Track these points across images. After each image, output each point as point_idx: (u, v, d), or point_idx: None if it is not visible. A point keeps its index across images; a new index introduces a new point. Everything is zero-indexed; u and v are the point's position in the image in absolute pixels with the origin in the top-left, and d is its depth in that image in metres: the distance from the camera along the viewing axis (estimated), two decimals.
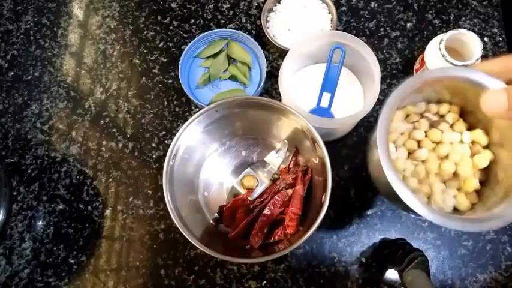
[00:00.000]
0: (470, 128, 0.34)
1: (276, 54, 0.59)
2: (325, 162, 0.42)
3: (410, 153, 0.34)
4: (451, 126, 0.34)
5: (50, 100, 0.59)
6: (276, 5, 0.59)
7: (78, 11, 0.64)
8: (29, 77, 0.60)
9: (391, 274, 0.50)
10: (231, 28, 0.60)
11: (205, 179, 0.52)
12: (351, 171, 0.54)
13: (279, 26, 0.58)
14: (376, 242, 0.52)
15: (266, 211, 0.46)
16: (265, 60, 0.55)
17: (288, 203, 0.46)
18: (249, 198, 0.48)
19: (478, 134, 0.32)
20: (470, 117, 0.34)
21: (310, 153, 0.47)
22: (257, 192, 0.49)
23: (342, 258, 0.51)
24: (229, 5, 0.62)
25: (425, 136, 0.34)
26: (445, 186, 0.33)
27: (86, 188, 0.55)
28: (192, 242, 0.41)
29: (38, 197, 0.55)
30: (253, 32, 0.61)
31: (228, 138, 0.53)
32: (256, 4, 0.62)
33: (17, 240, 0.53)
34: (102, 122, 0.58)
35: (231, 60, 0.58)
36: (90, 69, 0.60)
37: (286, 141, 0.50)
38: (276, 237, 0.46)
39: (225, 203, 0.49)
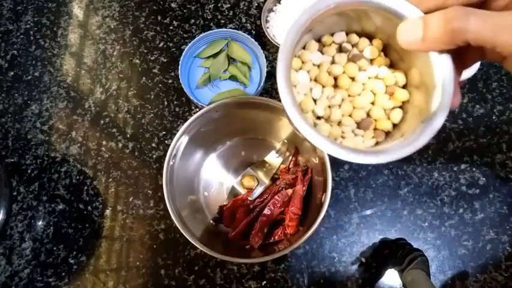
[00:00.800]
0: (392, 67, 0.31)
1: (276, 54, 0.59)
2: (325, 162, 0.42)
3: (323, 87, 0.31)
4: (371, 62, 0.31)
5: (50, 100, 0.59)
6: (276, 5, 0.59)
7: (78, 11, 0.64)
8: (29, 77, 0.60)
9: (391, 274, 0.50)
10: (231, 28, 0.60)
11: (205, 179, 0.52)
12: (351, 171, 0.54)
13: (279, 26, 0.58)
14: (376, 242, 0.52)
15: (266, 211, 0.46)
16: (265, 60, 0.55)
17: (288, 203, 0.46)
18: (249, 198, 0.48)
19: (397, 73, 0.30)
20: (393, 54, 0.31)
21: (310, 153, 0.47)
22: (257, 192, 0.49)
23: (342, 258, 0.51)
24: (229, 5, 0.62)
25: (343, 72, 0.30)
26: (356, 127, 0.30)
27: (86, 188, 0.55)
28: (192, 242, 0.41)
29: (38, 197, 0.55)
30: (253, 32, 0.61)
31: (228, 138, 0.53)
32: (256, 4, 0.62)
33: (17, 240, 0.53)
34: (102, 122, 0.58)
35: (231, 60, 0.58)
36: (90, 69, 0.60)
37: (286, 141, 0.50)
38: (276, 237, 0.46)
39: (225, 203, 0.49)
